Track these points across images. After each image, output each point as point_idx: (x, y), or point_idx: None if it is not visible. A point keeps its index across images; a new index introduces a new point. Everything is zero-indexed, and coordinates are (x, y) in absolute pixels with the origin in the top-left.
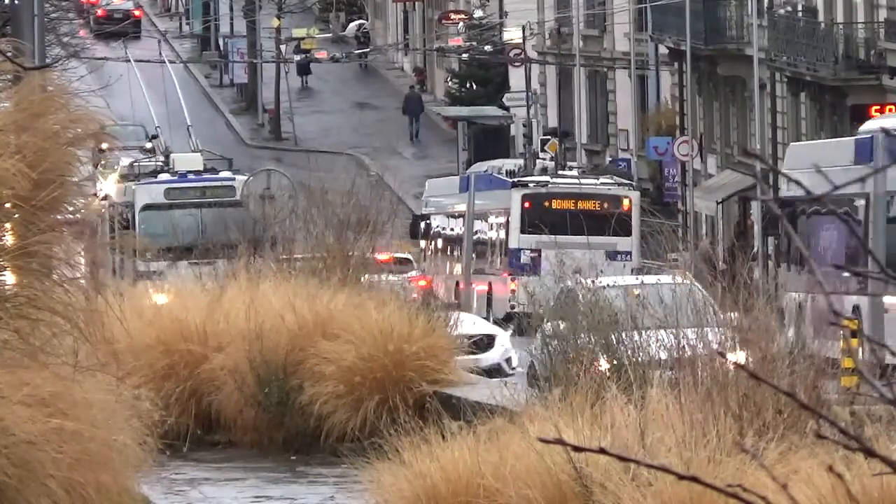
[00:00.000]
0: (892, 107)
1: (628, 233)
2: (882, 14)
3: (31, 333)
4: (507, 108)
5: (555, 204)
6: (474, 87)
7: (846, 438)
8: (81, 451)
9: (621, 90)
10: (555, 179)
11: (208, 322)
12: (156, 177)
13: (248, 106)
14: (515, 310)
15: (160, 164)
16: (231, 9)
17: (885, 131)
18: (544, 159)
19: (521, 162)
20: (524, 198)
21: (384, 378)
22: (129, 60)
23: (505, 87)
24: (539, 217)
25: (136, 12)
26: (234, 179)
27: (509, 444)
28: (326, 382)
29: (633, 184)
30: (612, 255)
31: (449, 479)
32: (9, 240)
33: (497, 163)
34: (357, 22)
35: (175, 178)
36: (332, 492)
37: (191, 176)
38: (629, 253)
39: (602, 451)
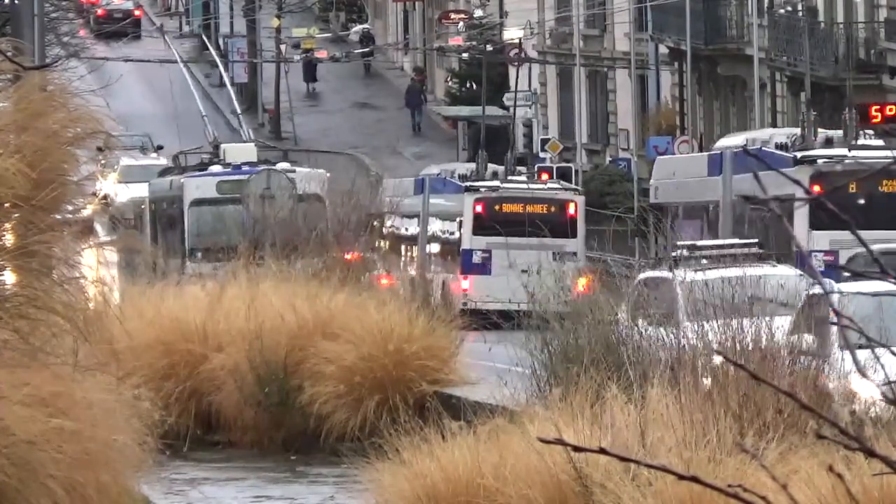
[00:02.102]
0: (893, 106)
1: (574, 234)
2: (882, 14)
3: (31, 333)
4: (506, 108)
5: (505, 207)
6: (474, 86)
7: (846, 438)
8: (81, 450)
9: (621, 90)
10: (505, 184)
11: (208, 322)
12: (205, 169)
13: (248, 106)
14: (468, 307)
15: (209, 155)
16: (231, 8)
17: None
18: (544, 159)
19: (472, 166)
20: (476, 201)
21: (384, 378)
22: (179, 61)
23: (505, 86)
24: (490, 219)
25: (137, 12)
26: (293, 172)
27: (509, 443)
28: (326, 382)
29: (579, 188)
30: (559, 256)
31: (449, 479)
32: (9, 239)
33: (450, 166)
34: (362, 26)
35: (227, 170)
36: (333, 492)
37: (245, 168)
38: (575, 253)
39: (602, 451)
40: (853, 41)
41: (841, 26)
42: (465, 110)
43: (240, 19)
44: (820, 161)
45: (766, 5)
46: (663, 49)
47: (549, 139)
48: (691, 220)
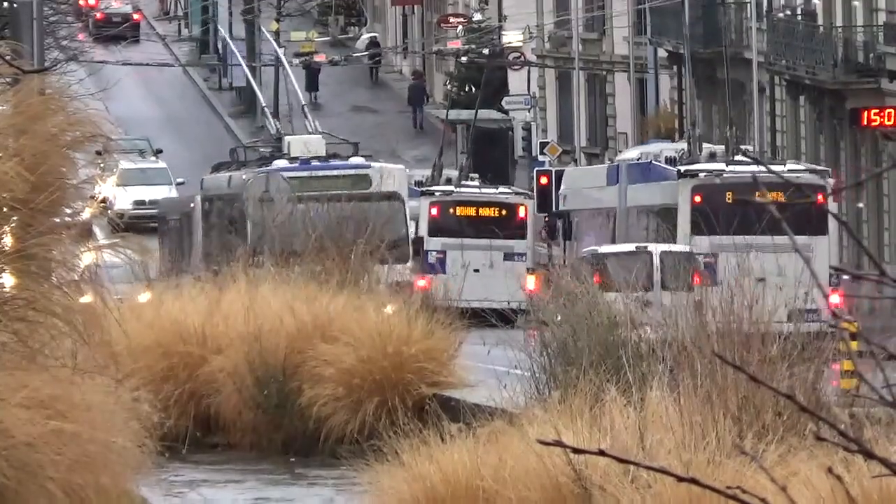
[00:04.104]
0: (892, 110)
1: (524, 236)
2: (881, 18)
3: (30, 336)
4: (506, 112)
5: (459, 211)
6: (473, 90)
7: (845, 440)
8: (80, 453)
9: (620, 93)
10: (459, 189)
11: (207, 324)
12: (269, 164)
13: (246, 109)
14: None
15: (270, 148)
16: (230, 12)
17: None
18: (543, 162)
19: (428, 172)
20: (432, 205)
21: (383, 380)
22: (247, 64)
23: (504, 90)
24: (445, 222)
25: (136, 16)
26: (369, 167)
27: (508, 446)
28: (325, 384)
29: (529, 193)
30: (510, 256)
31: (448, 482)
32: (8, 242)
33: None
34: (368, 34)
35: (295, 165)
36: (332, 494)
37: (315, 162)
38: (524, 254)
39: (601, 452)
40: (852, 45)
41: (840, 30)
42: (464, 114)
43: (239, 23)
44: (700, 175)
45: (765, 9)
46: (662, 52)
47: (547, 142)
48: (593, 225)
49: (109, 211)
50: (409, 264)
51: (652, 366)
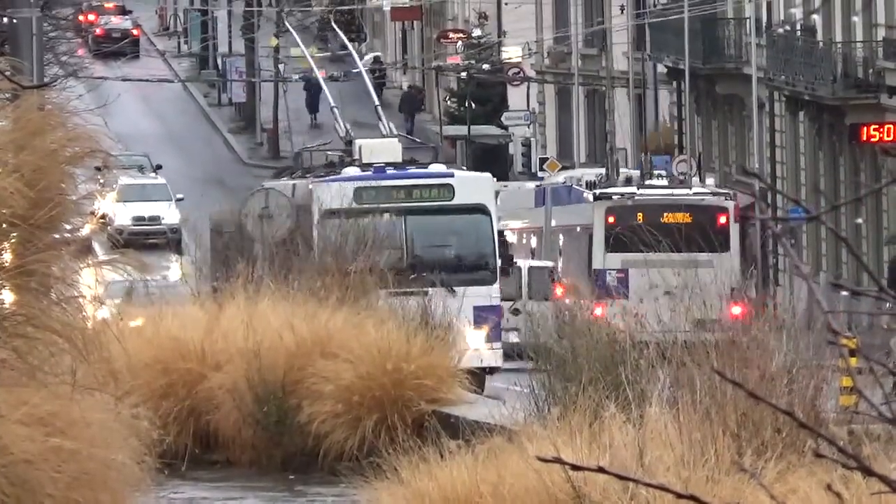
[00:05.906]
0: (891, 126)
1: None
2: (880, 33)
3: (30, 352)
4: (505, 128)
5: None
6: (472, 105)
7: (844, 457)
8: (79, 470)
9: (620, 109)
10: None
11: (206, 341)
12: (339, 171)
13: (246, 125)
14: None
15: (340, 153)
16: (230, 28)
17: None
18: (542, 177)
19: None
20: None
21: (382, 397)
22: (320, 74)
23: (503, 106)
24: None
25: (135, 31)
26: (452, 176)
27: (508, 463)
28: (325, 401)
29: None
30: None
31: (447, 499)
32: (7, 259)
33: None
34: (372, 54)
35: (368, 172)
36: None
37: (390, 170)
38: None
39: (600, 469)
40: (851, 60)
41: (839, 45)
42: (463, 129)
43: (238, 39)
44: (613, 197)
45: (764, 24)
46: (661, 68)
47: (547, 158)
48: (522, 242)
49: (109, 227)
50: (495, 286)
51: (651, 382)
